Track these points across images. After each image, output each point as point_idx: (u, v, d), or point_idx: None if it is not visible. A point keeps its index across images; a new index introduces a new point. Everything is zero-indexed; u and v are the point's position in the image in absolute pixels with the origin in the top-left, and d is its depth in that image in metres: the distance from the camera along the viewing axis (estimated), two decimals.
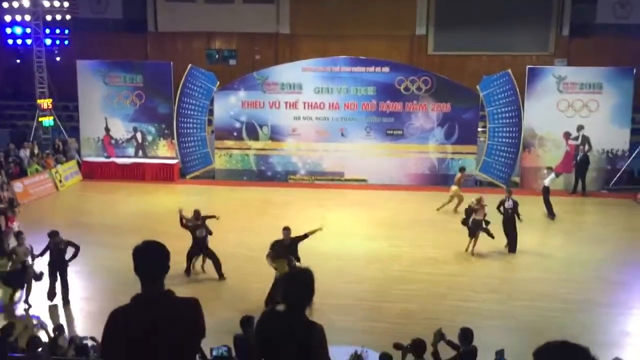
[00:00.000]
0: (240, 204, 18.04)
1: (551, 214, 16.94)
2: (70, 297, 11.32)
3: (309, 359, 3.42)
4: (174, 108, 21.47)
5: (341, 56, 21.33)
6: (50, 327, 9.55)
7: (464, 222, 14.05)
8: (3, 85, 26.77)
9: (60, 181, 20.50)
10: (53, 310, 11.06)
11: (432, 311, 11.00)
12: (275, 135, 21.27)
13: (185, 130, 21.64)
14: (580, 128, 20.22)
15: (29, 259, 11.30)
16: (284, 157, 21.39)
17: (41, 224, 13.57)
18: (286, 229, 11.20)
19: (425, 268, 13.19)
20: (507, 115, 20.54)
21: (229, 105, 21.30)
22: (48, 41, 22.61)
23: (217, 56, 27.16)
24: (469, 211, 14.00)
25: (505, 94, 20.42)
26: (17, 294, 11.36)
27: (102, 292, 11.73)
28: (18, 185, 18.53)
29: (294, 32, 26.29)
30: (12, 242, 13.36)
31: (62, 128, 23.21)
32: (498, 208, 14.33)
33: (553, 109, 20.22)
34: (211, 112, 21.58)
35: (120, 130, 22.09)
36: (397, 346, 7.32)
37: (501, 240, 14.17)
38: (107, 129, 22.11)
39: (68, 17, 23.04)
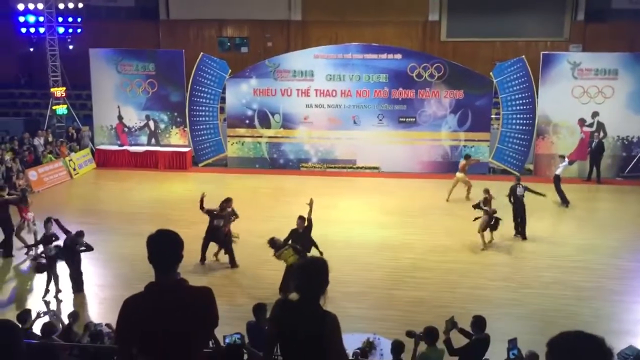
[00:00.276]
0: (253, 192, 18.09)
1: (565, 202, 16.79)
2: (84, 286, 11.37)
3: (323, 347, 3.43)
4: (186, 96, 21.52)
5: (353, 43, 21.25)
6: (64, 314, 9.64)
7: (477, 206, 13.71)
8: (17, 74, 26.96)
9: (74, 169, 20.67)
10: (68, 297, 11.18)
11: (444, 299, 10.99)
12: (287, 123, 21.26)
13: (198, 119, 21.69)
14: (595, 114, 20.01)
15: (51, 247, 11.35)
16: (296, 144, 21.38)
17: (55, 211, 13.68)
18: (301, 218, 11.26)
19: (437, 256, 13.17)
20: (521, 102, 20.36)
21: (240, 93, 21.29)
22: (61, 30, 22.65)
23: (228, 44, 27.16)
24: (487, 202, 13.62)
25: (519, 80, 20.22)
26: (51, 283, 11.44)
27: (117, 279, 11.88)
28: (32, 174, 18.72)
29: (306, 19, 26.19)
30: (24, 234, 13.51)
31: (75, 116, 23.38)
32: (509, 197, 14.21)
33: (568, 95, 20.00)
34: (223, 100, 21.61)
35: (133, 118, 22.20)
36: (409, 334, 7.34)
37: (511, 228, 14.09)
38: (120, 117, 22.24)
39: (80, 5, 23.10)
